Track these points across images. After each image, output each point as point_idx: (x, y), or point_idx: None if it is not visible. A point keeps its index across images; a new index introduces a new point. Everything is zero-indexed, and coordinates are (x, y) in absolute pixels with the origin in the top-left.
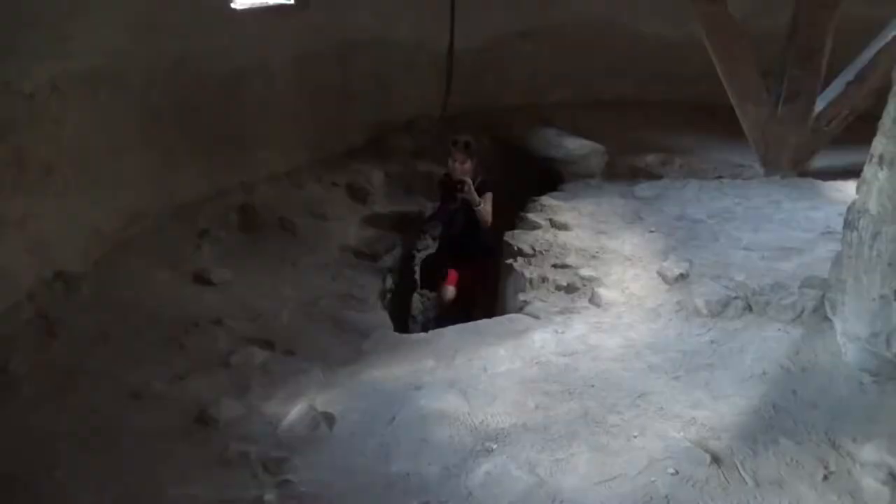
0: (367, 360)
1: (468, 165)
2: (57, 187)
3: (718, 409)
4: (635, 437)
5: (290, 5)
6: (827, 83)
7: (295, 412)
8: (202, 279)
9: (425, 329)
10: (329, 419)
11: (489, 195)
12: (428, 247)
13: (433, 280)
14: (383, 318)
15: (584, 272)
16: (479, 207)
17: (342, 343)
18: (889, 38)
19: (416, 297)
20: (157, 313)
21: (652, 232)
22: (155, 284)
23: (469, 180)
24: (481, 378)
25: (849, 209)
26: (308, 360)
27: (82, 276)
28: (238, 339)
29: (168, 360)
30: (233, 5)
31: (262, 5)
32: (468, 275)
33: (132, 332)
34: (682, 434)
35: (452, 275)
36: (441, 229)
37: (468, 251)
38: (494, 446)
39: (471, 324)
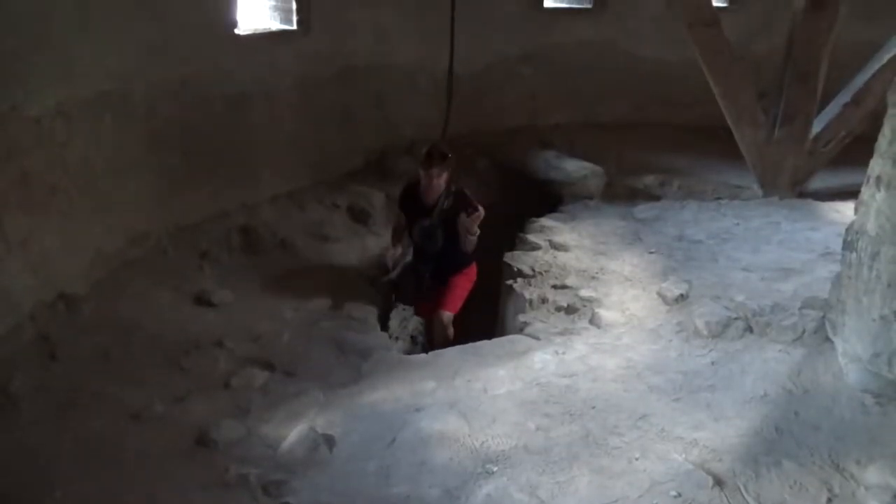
0: (368, 382)
1: (444, 178)
2: (61, 209)
3: (720, 430)
4: (637, 459)
5: (293, 31)
6: (823, 105)
7: (295, 434)
8: (203, 300)
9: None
10: (329, 441)
11: (482, 212)
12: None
13: (404, 293)
14: (383, 339)
15: (584, 293)
16: (474, 237)
17: (342, 364)
18: (885, 60)
19: (416, 318)
20: (157, 334)
21: (651, 253)
22: (156, 305)
23: (482, 210)
24: (481, 399)
25: (847, 230)
26: (308, 382)
27: (84, 297)
28: (238, 360)
29: (168, 382)
30: (237, 30)
31: (266, 30)
32: (453, 289)
33: (133, 354)
34: (683, 456)
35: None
36: (414, 247)
37: (450, 267)
38: (495, 468)
39: (470, 345)
